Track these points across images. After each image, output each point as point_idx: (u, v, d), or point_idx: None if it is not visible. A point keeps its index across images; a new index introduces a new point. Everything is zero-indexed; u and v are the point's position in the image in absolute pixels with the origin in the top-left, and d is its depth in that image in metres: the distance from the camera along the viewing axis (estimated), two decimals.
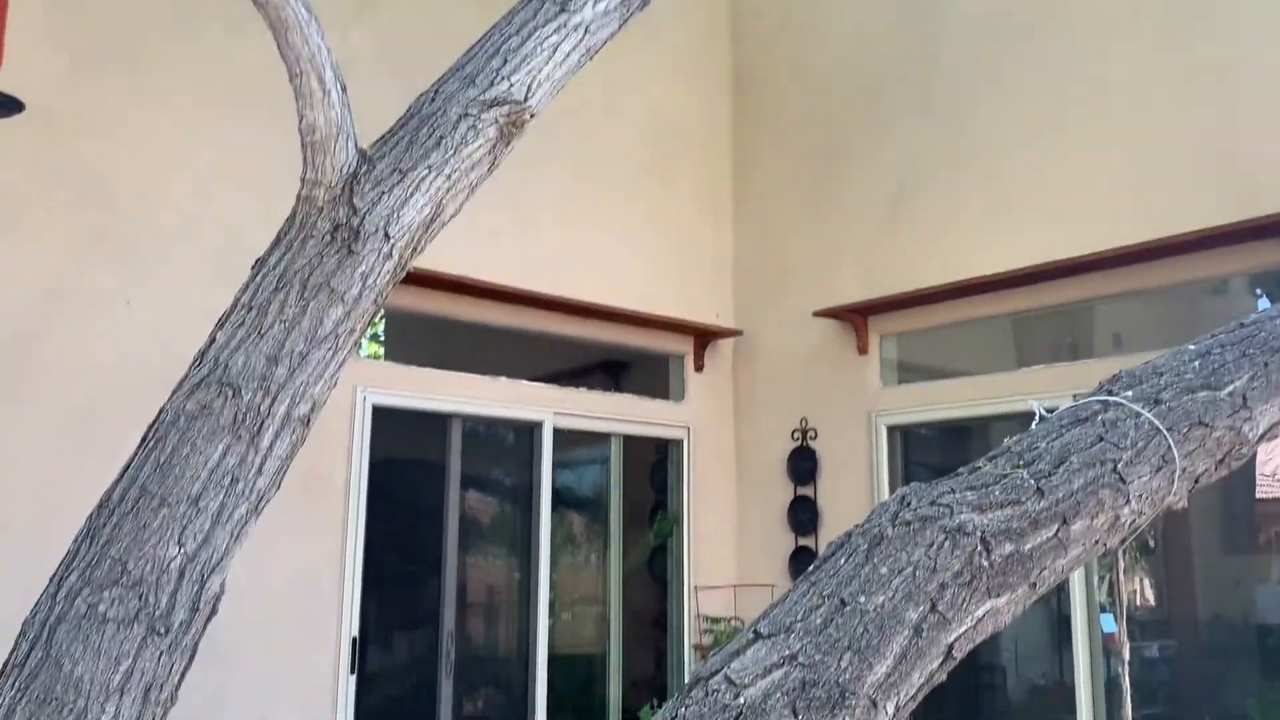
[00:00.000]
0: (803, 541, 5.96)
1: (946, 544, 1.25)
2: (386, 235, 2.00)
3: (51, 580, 1.75)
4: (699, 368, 6.44)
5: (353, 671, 4.75)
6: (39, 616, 1.71)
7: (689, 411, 6.37)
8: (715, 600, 6.18)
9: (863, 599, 1.21)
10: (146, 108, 4.52)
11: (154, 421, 1.84)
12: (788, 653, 1.18)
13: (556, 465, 5.75)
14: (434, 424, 5.44)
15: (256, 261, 2.00)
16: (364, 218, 1.98)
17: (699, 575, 6.21)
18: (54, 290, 4.20)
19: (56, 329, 4.19)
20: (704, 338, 6.41)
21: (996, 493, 1.31)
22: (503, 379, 5.60)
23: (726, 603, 6.21)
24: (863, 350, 5.82)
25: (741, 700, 1.16)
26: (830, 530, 5.83)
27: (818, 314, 5.90)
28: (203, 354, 1.89)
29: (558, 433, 5.77)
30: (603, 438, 6.21)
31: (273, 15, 1.85)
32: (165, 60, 4.60)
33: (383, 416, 5.07)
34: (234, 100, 4.72)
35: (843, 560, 1.26)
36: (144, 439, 1.82)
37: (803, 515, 5.98)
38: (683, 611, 6.16)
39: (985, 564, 1.25)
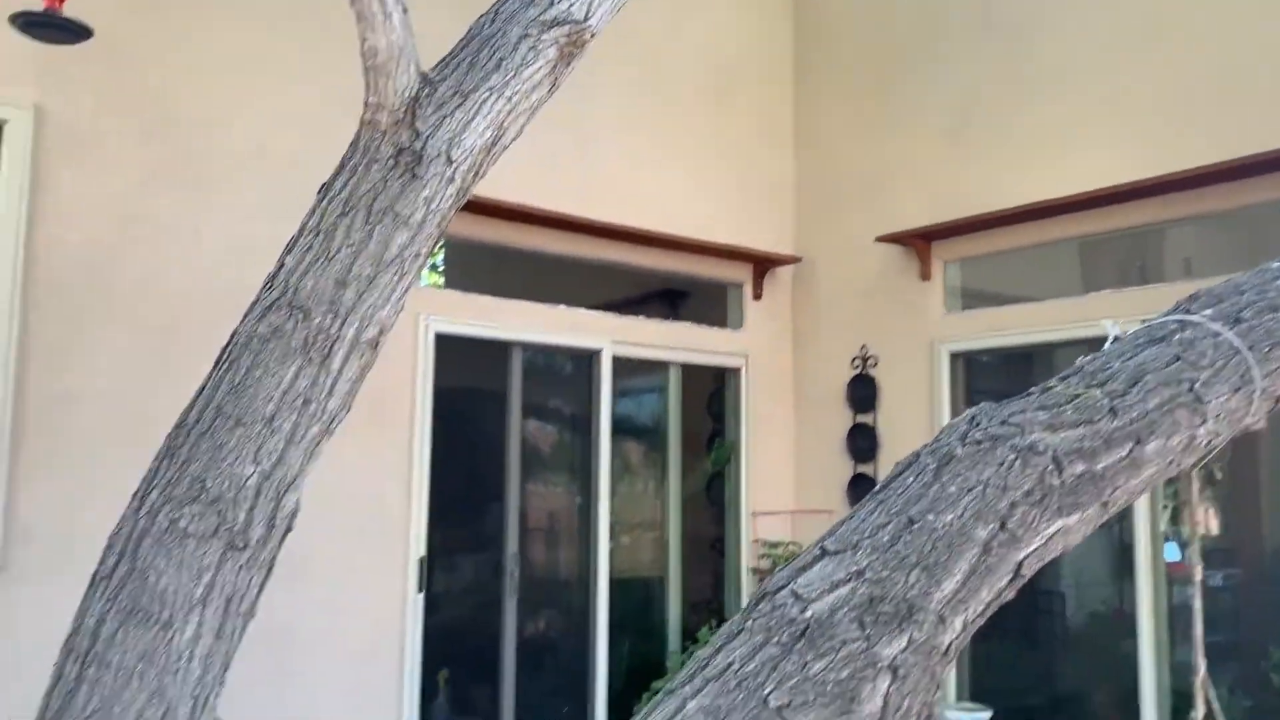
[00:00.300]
0: (861, 468, 5.96)
1: (1017, 463, 1.24)
2: (449, 159, 2.00)
3: (135, 497, 1.81)
4: (758, 296, 6.40)
5: (420, 590, 4.88)
6: (124, 531, 1.78)
7: (747, 340, 6.35)
8: (773, 526, 6.23)
9: (931, 517, 1.21)
10: (210, 35, 4.54)
11: (227, 344, 1.88)
12: (855, 569, 1.19)
13: (615, 393, 5.79)
14: (495, 352, 5.49)
15: (322, 186, 2.01)
16: (426, 141, 1.97)
17: (756, 501, 6.25)
18: (128, 217, 4.28)
19: (131, 255, 4.28)
20: (763, 265, 6.36)
21: (1069, 412, 1.29)
22: (561, 307, 5.62)
23: (784, 528, 6.25)
24: (925, 276, 5.74)
25: (809, 614, 1.17)
26: (890, 457, 5.82)
27: (879, 240, 5.82)
28: (272, 278, 1.92)
29: (616, 361, 5.79)
30: (661, 366, 6.23)
31: None
32: None
33: (445, 344, 5.13)
34: (296, 27, 4.72)
35: (911, 479, 1.26)
36: (218, 361, 1.86)
37: (862, 442, 5.97)
38: (740, 537, 6.22)
39: (1056, 483, 1.24)
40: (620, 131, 5.83)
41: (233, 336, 1.88)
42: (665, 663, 5.89)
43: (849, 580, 1.18)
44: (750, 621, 1.19)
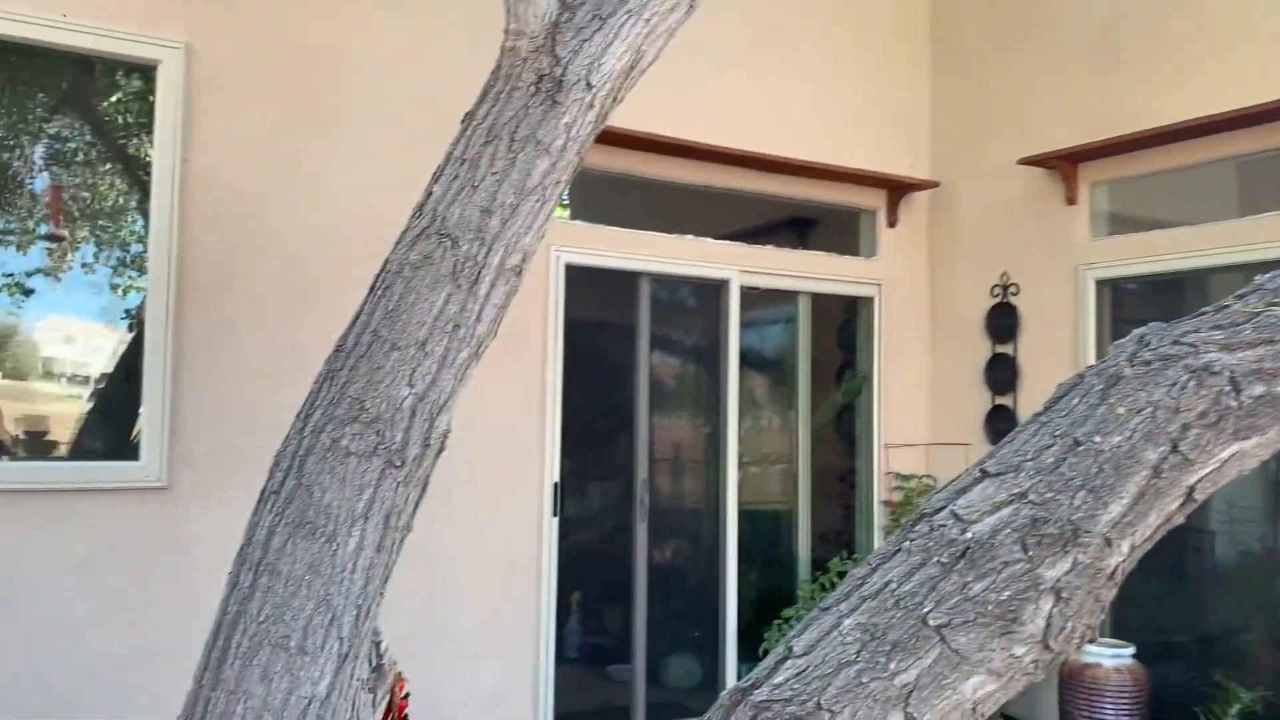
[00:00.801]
0: (1000, 400, 5.80)
1: (1191, 383, 1.18)
2: (588, 85, 1.99)
3: (298, 417, 1.89)
4: (892, 223, 6.24)
5: (555, 514, 5.02)
6: (289, 449, 1.86)
7: (880, 268, 6.22)
8: (905, 458, 6.15)
9: (1098, 439, 1.17)
10: None
11: (380, 271, 1.94)
12: (1017, 491, 1.16)
13: (743, 324, 5.76)
14: (623, 282, 5.52)
15: (466, 115, 2.04)
16: (566, 67, 1.97)
17: (889, 433, 6.17)
18: (272, 152, 4.43)
19: (278, 188, 4.44)
20: (898, 191, 6.19)
21: (1247, 331, 1.22)
22: (689, 237, 5.60)
23: (917, 461, 6.16)
24: (1070, 200, 5.49)
25: (969, 535, 1.15)
26: (1031, 389, 5.65)
27: (1022, 162, 5.58)
28: (421, 206, 1.96)
29: (744, 291, 5.76)
30: (790, 296, 6.16)
31: None
32: None
33: (575, 275, 5.18)
34: None
35: (1075, 400, 1.22)
36: (372, 288, 1.92)
37: (1001, 373, 5.81)
38: (872, 469, 6.16)
39: (1234, 404, 1.18)
40: (750, 55, 5.71)
41: (385, 264, 1.94)
42: (796, 592, 5.92)
43: (1011, 502, 1.16)
44: (908, 542, 1.19)
